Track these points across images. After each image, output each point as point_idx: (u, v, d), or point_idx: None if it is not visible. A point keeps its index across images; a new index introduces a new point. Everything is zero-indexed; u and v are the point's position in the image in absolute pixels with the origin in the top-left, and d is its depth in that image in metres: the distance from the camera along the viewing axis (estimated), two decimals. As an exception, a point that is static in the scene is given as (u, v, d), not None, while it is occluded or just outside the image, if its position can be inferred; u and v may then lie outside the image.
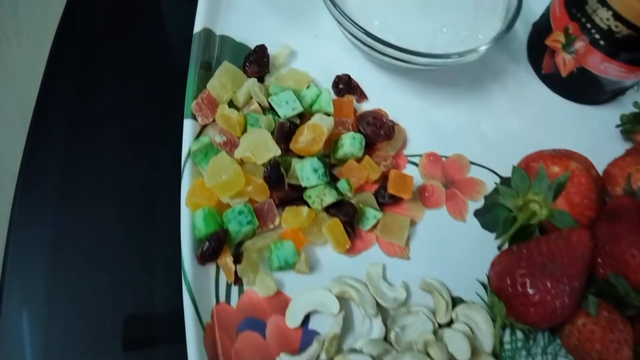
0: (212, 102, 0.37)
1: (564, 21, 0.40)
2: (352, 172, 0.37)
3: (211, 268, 0.34)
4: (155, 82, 0.41)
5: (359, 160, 0.38)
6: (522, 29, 0.47)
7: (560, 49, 0.41)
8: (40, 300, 0.34)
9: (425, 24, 0.38)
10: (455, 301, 0.36)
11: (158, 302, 0.34)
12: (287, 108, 0.37)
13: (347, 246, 0.35)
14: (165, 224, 0.35)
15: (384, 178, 0.38)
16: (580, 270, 0.32)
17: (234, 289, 0.34)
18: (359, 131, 0.38)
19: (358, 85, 0.42)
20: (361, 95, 0.42)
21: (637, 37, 0.36)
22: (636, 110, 0.42)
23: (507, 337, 0.35)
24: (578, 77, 0.42)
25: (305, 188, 0.36)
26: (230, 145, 0.36)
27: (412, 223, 0.38)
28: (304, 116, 0.39)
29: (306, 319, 0.34)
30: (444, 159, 0.40)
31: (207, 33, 0.40)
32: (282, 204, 0.36)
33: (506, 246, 0.37)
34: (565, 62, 0.42)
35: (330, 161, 0.38)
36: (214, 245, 0.32)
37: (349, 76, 0.41)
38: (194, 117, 0.37)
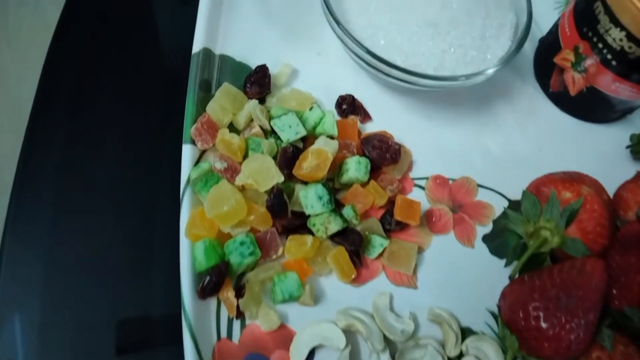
0: (212, 126, 0.35)
1: (574, 40, 0.39)
2: (357, 198, 0.36)
3: (212, 302, 0.32)
4: (153, 103, 0.40)
5: (364, 184, 0.37)
6: (529, 45, 0.46)
7: (569, 67, 0.40)
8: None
9: (433, 44, 0.36)
10: (465, 332, 0.34)
11: (156, 336, 0.33)
12: (290, 132, 0.35)
13: (353, 276, 0.34)
14: (164, 254, 0.33)
15: (390, 203, 0.37)
16: (595, 303, 0.31)
17: (236, 323, 0.32)
18: (364, 154, 0.37)
19: (362, 105, 0.40)
20: (365, 116, 0.40)
21: (651, 59, 0.35)
22: (647, 129, 0.42)
23: (518, 370, 0.34)
24: (587, 97, 0.41)
25: (309, 216, 0.34)
26: (232, 171, 0.34)
27: (420, 250, 0.36)
28: (307, 139, 0.37)
29: (311, 354, 0.32)
30: (450, 181, 0.39)
31: (207, 53, 0.38)
32: (285, 232, 0.35)
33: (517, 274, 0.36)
34: (574, 81, 0.41)
35: (334, 185, 0.37)
36: (215, 279, 0.31)
37: (352, 96, 0.40)
38: (193, 142, 0.35)
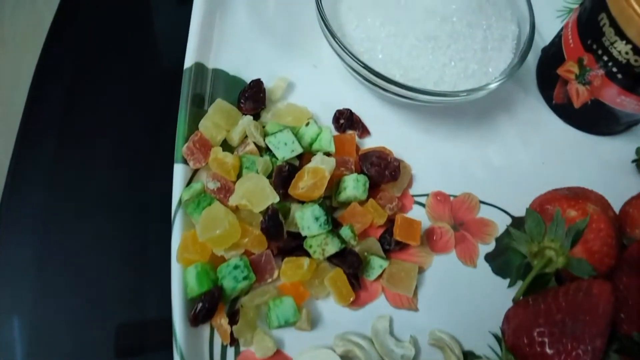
0: (205, 144, 0.34)
1: (579, 52, 0.38)
2: (355, 217, 0.35)
3: (205, 329, 0.31)
4: (146, 118, 0.38)
5: (362, 202, 0.36)
6: (532, 55, 0.44)
7: (573, 79, 0.39)
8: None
9: (433, 57, 0.35)
10: (467, 356, 0.33)
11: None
12: (285, 150, 0.34)
13: (351, 299, 0.33)
14: (156, 279, 0.32)
15: (389, 221, 0.36)
16: (602, 329, 0.30)
17: (230, 350, 0.31)
18: (362, 172, 0.36)
19: (360, 119, 0.39)
20: (363, 131, 0.39)
21: (658, 72, 0.34)
22: (653, 143, 0.41)
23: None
24: (592, 109, 0.39)
25: (306, 237, 0.33)
26: (225, 191, 0.33)
27: (420, 270, 0.35)
28: (304, 156, 0.36)
29: (308, 381, 0.31)
30: (452, 198, 0.38)
31: (199, 68, 0.37)
32: (281, 253, 0.33)
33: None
34: (578, 94, 0.40)
35: (332, 204, 0.36)
36: (208, 306, 0.30)
37: (350, 111, 0.39)
38: (185, 162, 0.34)
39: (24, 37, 1.13)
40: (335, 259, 0.33)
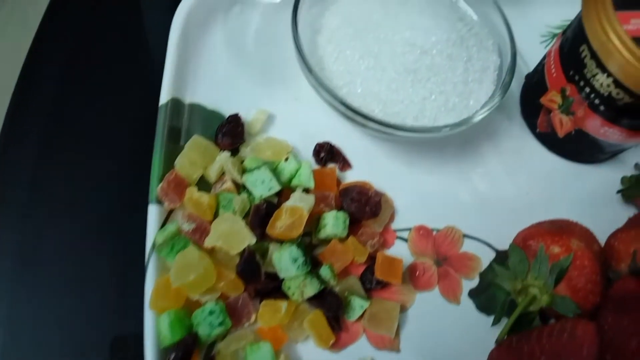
0: (180, 183, 0.33)
1: (561, 82, 0.37)
2: (336, 256, 0.34)
3: (179, 377, 0.30)
4: (121, 156, 0.38)
5: (343, 239, 0.35)
6: (515, 81, 0.44)
7: (556, 109, 0.39)
8: None
9: (412, 91, 0.35)
10: (451, 399, 0.33)
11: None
12: (262, 188, 0.34)
13: (331, 342, 0.32)
14: (130, 325, 0.31)
15: (371, 258, 0.35)
16: (587, 372, 0.29)
17: (206, 399, 0.30)
18: (343, 207, 0.35)
19: (341, 152, 0.39)
20: (344, 164, 0.38)
21: (641, 105, 0.33)
22: (637, 172, 0.40)
23: None
24: (576, 139, 0.39)
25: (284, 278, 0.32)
26: (201, 232, 0.32)
27: (402, 308, 0.34)
28: (283, 192, 0.35)
29: None
30: (434, 232, 0.37)
31: (175, 103, 0.36)
32: (258, 295, 0.33)
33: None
34: (562, 123, 0.39)
35: (312, 241, 0.35)
36: (182, 355, 0.29)
37: (330, 144, 0.38)
38: (160, 202, 0.33)
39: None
40: (315, 300, 0.33)
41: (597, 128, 0.37)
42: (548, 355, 0.30)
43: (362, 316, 0.33)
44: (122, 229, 0.35)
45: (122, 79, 0.40)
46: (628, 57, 0.31)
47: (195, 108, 0.38)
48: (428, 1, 0.37)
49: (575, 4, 0.35)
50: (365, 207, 0.35)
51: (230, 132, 0.36)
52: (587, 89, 0.35)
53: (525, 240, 0.35)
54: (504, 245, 0.37)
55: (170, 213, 0.34)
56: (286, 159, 0.36)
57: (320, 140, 0.39)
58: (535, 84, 0.41)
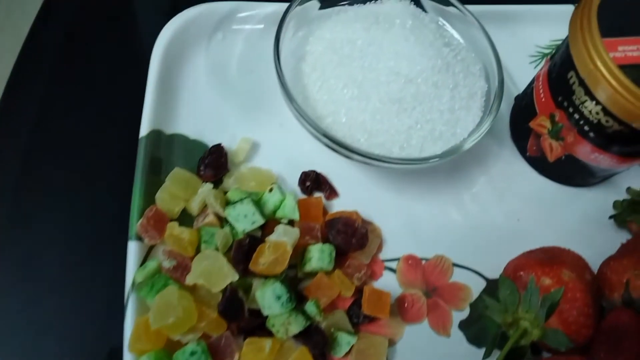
0: (161, 218, 0.33)
1: (550, 107, 0.36)
2: (321, 290, 0.33)
3: (160, 422, 0.29)
4: (102, 188, 0.37)
5: (329, 272, 0.34)
6: (505, 103, 0.43)
7: (546, 134, 0.38)
8: None
9: (398, 120, 0.34)
10: None
11: None
12: (245, 222, 0.33)
13: (318, 380, 0.31)
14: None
15: (358, 291, 0.34)
16: (579, 411, 0.29)
17: None
18: (328, 239, 0.35)
19: (327, 180, 0.38)
20: (331, 192, 0.38)
21: (630, 133, 0.32)
22: (629, 196, 0.39)
23: None
24: (566, 163, 0.38)
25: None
26: (182, 269, 0.32)
27: (391, 342, 0.34)
28: (267, 224, 0.34)
29: None
30: (424, 261, 0.37)
31: (156, 135, 0.35)
32: (242, 332, 0.32)
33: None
34: (552, 148, 0.38)
35: (297, 274, 0.34)
36: (162, 400, 0.28)
37: (315, 172, 0.37)
38: (140, 238, 0.32)
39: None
40: (301, 337, 0.32)
41: (588, 154, 0.36)
42: (539, 393, 0.29)
43: (349, 352, 0.33)
44: (102, 266, 0.34)
45: (103, 110, 0.39)
46: (616, 86, 0.30)
47: (177, 138, 0.37)
48: (413, 27, 0.36)
49: (565, 23, 0.34)
50: (351, 239, 0.34)
51: (213, 164, 0.35)
52: (577, 116, 0.34)
53: (515, 271, 0.34)
54: (494, 273, 0.37)
55: (151, 248, 0.33)
56: (270, 190, 0.35)
57: (307, 167, 0.38)
58: (524, 107, 0.41)
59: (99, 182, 0.37)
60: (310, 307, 0.32)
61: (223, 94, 0.40)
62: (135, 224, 0.32)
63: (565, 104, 0.35)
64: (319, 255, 0.33)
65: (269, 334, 0.32)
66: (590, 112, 0.33)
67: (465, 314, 0.36)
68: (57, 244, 0.35)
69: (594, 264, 0.37)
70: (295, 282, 0.34)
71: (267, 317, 0.32)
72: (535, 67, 0.46)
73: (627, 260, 0.35)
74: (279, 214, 0.35)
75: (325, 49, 0.36)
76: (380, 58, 0.34)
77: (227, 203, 0.35)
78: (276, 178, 0.37)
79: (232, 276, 0.31)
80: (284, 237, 0.33)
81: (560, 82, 0.35)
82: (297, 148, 0.39)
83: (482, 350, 0.34)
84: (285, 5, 0.37)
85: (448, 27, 0.40)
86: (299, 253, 0.34)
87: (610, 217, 0.39)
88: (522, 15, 0.46)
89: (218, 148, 0.36)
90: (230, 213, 0.33)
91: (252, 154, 0.38)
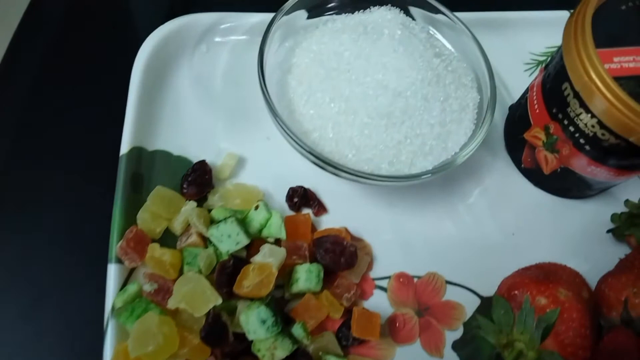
0: (142, 239, 0.32)
1: (544, 119, 0.35)
2: (309, 312, 0.32)
3: None
4: (78, 205, 0.36)
5: (318, 293, 0.33)
6: (498, 111, 0.42)
7: (540, 146, 0.37)
8: None
9: (386, 135, 0.33)
10: None
11: None
12: (229, 243, 0.32)
13: (305, 406, 0.30)
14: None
15: (348, 311, 0.33)
16: None
17: None
18: (316, 259, 0.33)
19: (315, 195, 0.37)
20: (320, 208, 0.36)
21: (628, 147, 0.31)
22: (627, 209, 0.38)
23: None
24: (562, 176, 0.37)
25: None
26: (164, 293, 0.30)
27: (381, 365, 0.33)
28: (253, 243, 0.33)
29: None
30: (416, 279, 0.35)
31: (137, 152, 0.34)
32: (226, 357, 0.31)
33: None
34: (547, 160, 0.37)
35: (284, 295, 0.33)
36: None
37: (304, 188, 0.36)
38: (120, 261, 0.31)
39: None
40: (287, 361, 0.31)
41: (584, 167, 0.35)
42: (535, 420, 0.28)
43: (338, 376, 0.32)
44: (81, 289, 0.32)
45: (83, 126, 0.38)
46: (611, 99, 0.29)
47: (160, 155, 0.36)
48: (402, 37, 0.35)
49: (560, 29, 0.33)
50: (340, 258, 0.33)
51: (196, 181, 0.34)
52: (572, 128, 0.33)
53: (510, 290, 0.33)
54: (489, 291, 0.35)
55: (132, 271, 0.32)
56: (256, 208, 0.34)
57: (294, 182, 0.37)
58: (518, 118, 0.39)
59: (78, 202, 0.35)
60: (297, 330, 0.31)
61: (207, 107, 0.38)
62: (115, 246, 0.31)
63: (560, 116, 0.34)
64: (306, 276, 0.32)
65: (254, 358, 0.30)
66: (585, 125, 0.32)
67: (458, 333, 0.34)
68: (33, 266, 0.33)
69: (592, 279, 0.36)
70: (281, 303, 0.33)
71: (252, 341, 0.31)
72: (530, 75, 0.45)
73: (625, 277, 0.34)
74: (264, 232, 0.34)
75: (311, 61, 0.35)
76: (368, 71, 0.33)
77: (212, 222, 0.34)
78: (262, 194, 0.36)
79: (215, 300, 0.30)
80: (269, 257, 0.31)
81: (555, 94, 0.34)
82: (284, 162, 0.38)
83: (476, 372, 0.33)
84: (271, 15, 0.36)
85: (439, 36, 0.39)
86: (286, 273, 0.33)
87: (608, 231, 0.38)
88: (516, 22, 0.45)
89: (202, 165, 0.35)
90: (214, 233, 0.32)
91: (238, 169, 0.37)
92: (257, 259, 0.31)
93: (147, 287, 0.30)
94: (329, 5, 0.39)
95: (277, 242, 0.34)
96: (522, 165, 0.40)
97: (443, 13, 0.39)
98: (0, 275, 0.33)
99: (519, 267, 0.36)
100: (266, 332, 0.30)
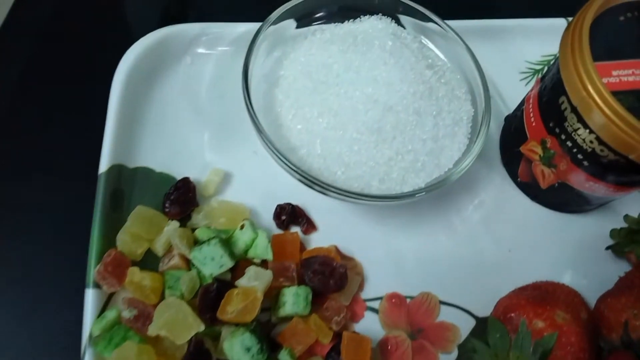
0: (121, 263, 0.30)
1: (541, 133, 0.34)
2: (296, 337, 0.31)
3: None
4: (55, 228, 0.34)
5: (306, 316, 0.32)
6: (494, 122, 0.41)
7: (537, 160, 0.36)
8: None
9: (377, 151, 0.31)
10: None
11: None
12: (213, 266, 0.30)
13: None
14: None
15: (338, 335, 0.32)
16: None
17: None
18: (304, 281, 0.32)
19: (304, 213, 0.35)
20: (309, 226, 0.35)
21: (627, 163, 0.30)
22: (627, 225, 0.37)
23: None
24: (559, 190, 0.36)
25: (238, 367, 0.29)
26: (144, 319, 0.29)
27: (373, 391, 0.31)
28: (238, 264, 0.32)
29: None
30: (408, 300, 0.34)
31: (117, 170, 0.33)
32: (211, 385, 0.29)
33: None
34: (544, 175, 0.36)
35: (270, 319, 0.32)
36: None
37: (292, 205, 0.35)
38: (99, 286, 0.30)
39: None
40: (274, 390, 0.29)
41: (582, 182, 0.34)
42: None
43: (327, 404, 0.30)
44: (57, 315, 0.31)
45: (62, 143, 0.36)
46: (609, 115, 0.28)
47: (141, 172, 0.34)
48: (393, 48, 0.34)
49: (557, 37, 0.32)
50: (329, 280, 0.32)
51: (179, 200, 0.33)
52: (569, 143, 0.32)
53: (506, 312, 0.32)
54: (484, 311, 0.34)
55: (111, 295, 0.31)
56: (242, 227, 0.33)
57: (282, 199, 0.36)
58: (514, 130, 0.38)
59: (55, 223, 0.34)
60: (284, 356, 0.30)
61: (192, 121, 0.37)
62: (93, 270, 0.30)
63: (557, 130, 0.33)
64: (293, 300, 0.31)
65: (239, 387, 0.29)
66: (584, 140, 0.31)
67: (453, 356, 0.33)
68: (7, 290, 0.32)
69: (591, 296, 0.35)
70: (268, 327, 0.32)
71: (237, 369, 0.29)
72: (527, 85, 0.44)
73: (625, 298, 0.32)
74: (250, 253, 0.32)
75: (299, 73, 0.34)
76: (357, 84, 0.32)
77: (195, 242, 0.32)
78: (249, 212, 0.34)
79: (198, 326, 0.28)
80: (254, 281, 0.30)
81: (552, 107, 0.32)
82: (272, 178, 0.36)
83: (472, 398, 0.32)
84: (257, 25, 0.35)
85: (431, 46, 0.37)
86: (273, 296, 0.32)
87: (607, 247, 0.37)
88: (511, 30, 0.44)
89: (185, 182, 0.33)
90: (196, 256, 0.30)
91: (224, 185, 0.36)
92: (242, 282, 0.30)
93: (126, 314, 0.29)
94: (319, 15, 0.38)
95: (264, 262, 0.33)
96: (519, 179, 0.39)
97: (435, 22, 0.37)
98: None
99: (516, 285, 0.35)
100: (251, 360, 0.28)
